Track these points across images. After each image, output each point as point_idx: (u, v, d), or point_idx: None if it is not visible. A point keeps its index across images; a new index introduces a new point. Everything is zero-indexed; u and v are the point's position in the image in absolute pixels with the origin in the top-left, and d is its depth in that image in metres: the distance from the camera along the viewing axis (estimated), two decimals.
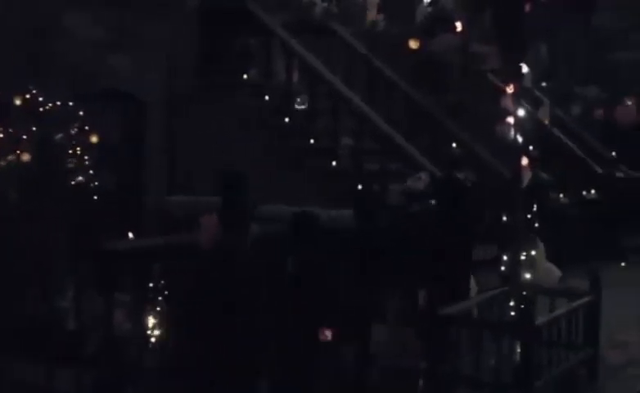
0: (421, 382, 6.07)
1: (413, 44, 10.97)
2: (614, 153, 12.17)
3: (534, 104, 9.42)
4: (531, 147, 7.01)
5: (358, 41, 11.77)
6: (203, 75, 11.02)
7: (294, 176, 10.17)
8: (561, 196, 10.81)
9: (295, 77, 10.95)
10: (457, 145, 10.63)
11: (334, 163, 10.29)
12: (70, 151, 7.51)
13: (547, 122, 9.76)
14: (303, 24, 11.68)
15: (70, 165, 7.44)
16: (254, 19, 10.84)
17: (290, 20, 11.44)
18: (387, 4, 12.53)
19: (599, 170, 11.75)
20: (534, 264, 7.22)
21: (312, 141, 10.48)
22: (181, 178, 10.87)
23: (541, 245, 7.63)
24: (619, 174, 11.78)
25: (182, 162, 10.95)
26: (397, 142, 9.94)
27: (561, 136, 11.75)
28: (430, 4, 11.42)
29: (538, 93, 11.27)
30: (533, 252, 7.01)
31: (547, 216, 8.43)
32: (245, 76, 11.03)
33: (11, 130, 7.42)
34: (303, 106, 10.78)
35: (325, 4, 12.17)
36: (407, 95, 11.39)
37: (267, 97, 10.79)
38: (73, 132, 7.59)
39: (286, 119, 10.64)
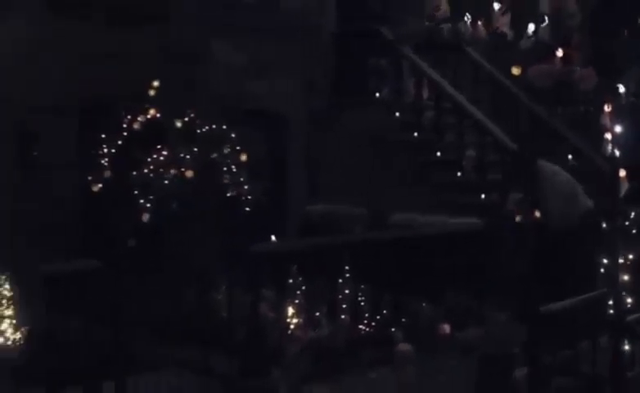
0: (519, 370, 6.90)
1: (515, 71, 11.78)
2: None
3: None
4: None
5: (484, 58, 12.58)
6: (339, 94, 12.13)
7: (422, 186, 11.08)
8: None
9: (424, 94, 11.90)
10: (575, 157, 11.27)
11: (459, 174, 11.16)
12: (225, 168, 8.68)
13: None
14: (431, 43, 12.60)
15: (225, 180, 8.61)
16: (386, 41, 11.85)
17: (419, 40, 12.40)
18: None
19: None
20: None
21: (438, 153, 11.38)
22: (319, 188, 11.99)
23: None
24: None
25: (320, 174, 12.07)
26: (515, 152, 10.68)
27: None
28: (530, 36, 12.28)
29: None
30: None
31: None
32: (377, 94, 12.07)
33: (173, 150, 8.64)
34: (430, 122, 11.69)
35: (452, 24, 13.04)
36: (530, 109, 12.10)
37: (397, 114, 11.77)
38: (226, 151, 8.74)
39: (415, 134, 11.59)
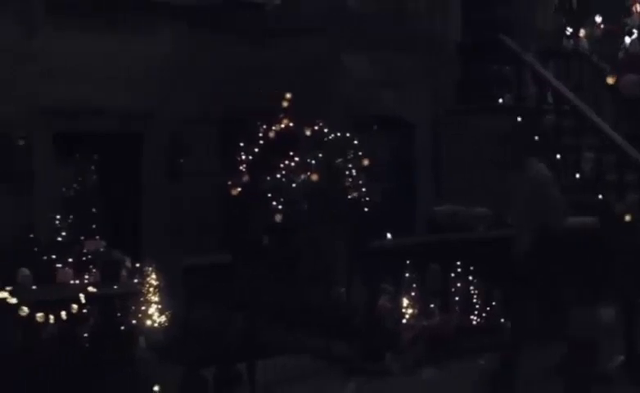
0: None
1: (610, 80, 12.11)
2: None
3: None
4: None
5: (604, 64, 12.94)
6: (463, 100, 12.76)
7: None
8: None
9: (546, 99, 12.39)
10: None
11: (577, 175, 11.60)
12: (347, 173, 9.46)
13: None
14: (553, 50, 13.07)
15: (347, 184, 9.39)
16: (507, 49, 12.40)
17: (541, 47, 12.89)
18: None
19: None
20: None
21: (558, 156, 11.85)
22: (445, 190, 12.63)
23: None
24: None
25: (446, 176, 12.72)
26: (630, 155, 11.07)
27: None
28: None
29: None
30: None
31: None
32: (500, 100, 12.63)
33: (302, 156, 9.48)
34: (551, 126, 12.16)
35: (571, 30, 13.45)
36: None
37: (519, 118, 12.28)
38: (349, 157, 9.52)
39: (536, 138, 12.06)
